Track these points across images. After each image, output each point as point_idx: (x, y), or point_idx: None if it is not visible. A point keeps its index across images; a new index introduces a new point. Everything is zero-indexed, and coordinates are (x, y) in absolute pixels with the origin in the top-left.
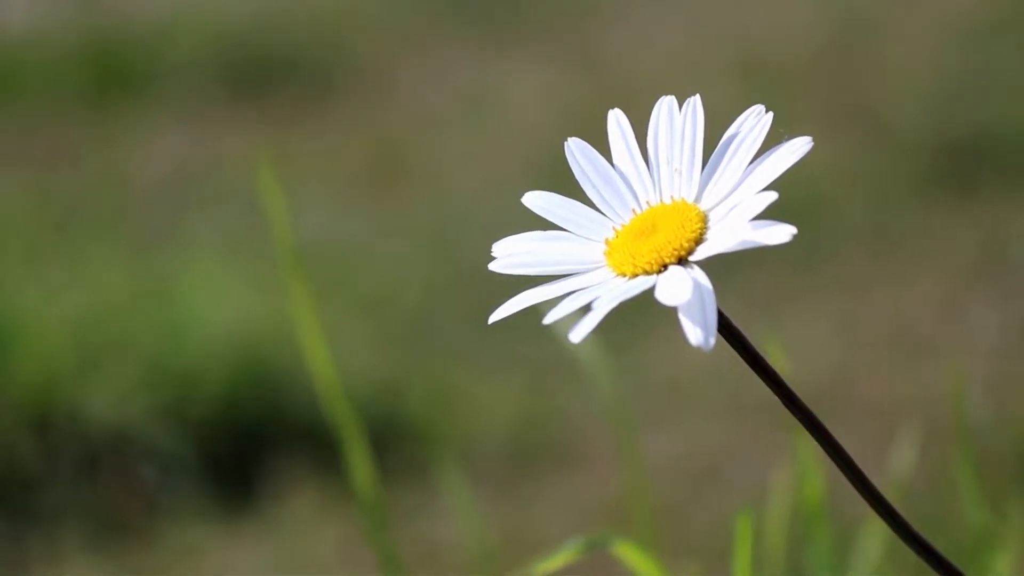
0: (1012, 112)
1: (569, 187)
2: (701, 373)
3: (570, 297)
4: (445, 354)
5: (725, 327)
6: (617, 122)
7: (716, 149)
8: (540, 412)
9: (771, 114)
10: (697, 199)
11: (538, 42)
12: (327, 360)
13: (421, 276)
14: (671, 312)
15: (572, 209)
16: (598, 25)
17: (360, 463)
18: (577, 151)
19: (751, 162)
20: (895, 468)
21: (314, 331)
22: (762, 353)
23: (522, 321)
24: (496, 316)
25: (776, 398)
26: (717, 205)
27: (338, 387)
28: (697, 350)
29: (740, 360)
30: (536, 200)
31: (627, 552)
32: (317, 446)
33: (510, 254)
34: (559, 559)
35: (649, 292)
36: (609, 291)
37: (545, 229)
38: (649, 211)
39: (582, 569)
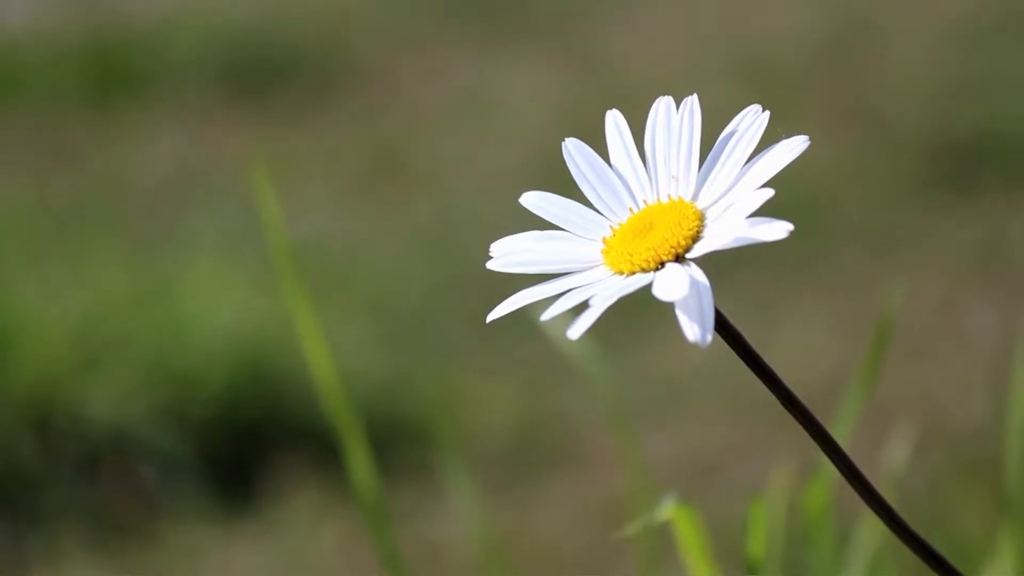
0: (1012, 112)
1: (570, 187)
2: (701, 373)
3: (568, 295)
4: (445, 354)
5: (723, 327)
6: (615, 123)
7: (713, 148)
8: (540, 412)
9: (768, 113)
10: (694, 197)
11: (538, 42)
12: (327, 361)
13: (421, 276)
14: (670, 312)
15: (570, 209)
16: (598, 25)
17: (360, 464)
18: (575, 151)
19: (748, 160)
20: (893, 467)
21: (313, 332)
22: (761, 352)
23: (522, 321)
24: (494, 314)
25: (776, 398)
26: (714, 203)
27: (338, 388)
28: (696, 349)
29: (740, 359)
30: (534, 200)
31: (684, 525)
32: (317, 446)
33: (508, 253)
34: (663, 514)
35: (649, 293)
36: (606, 288)
37: (543, 229)
38: (646, 210)
39: (585, 568)
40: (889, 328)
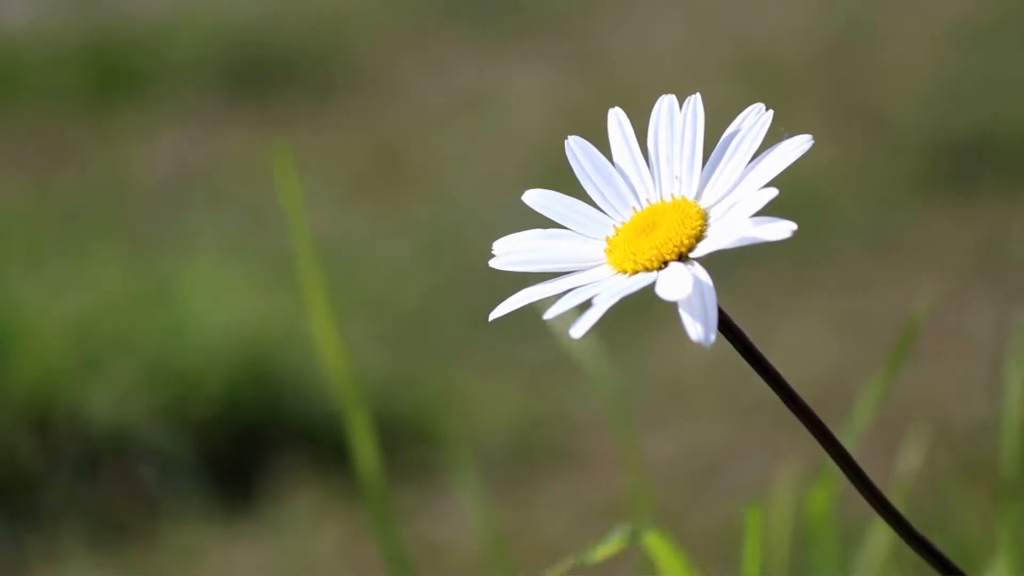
0: (1012, 112)
1: (569, 187)
2: (702, 372)
3: (571, 293)
4: (446, 354)
5: (726, 326)
6: (617, 120)
7: (716, 147)
8: (541, 412)
9: (771, 112)
10: (697, 196)
11: (538, 42)
12: (340, 353)
13: (421, 276)
14: (672, 311)
15: (572, 207)
16: (598, 25)
17: (367, 456)
18: (578, 149)
19: (751, 160)
20: (896, 469)
21: (327, 325)
22: (763, 352)
23: (523, 321)
24: (497, 313)
25: (777, 397)
26: (717, 202)
27: (353, 380)
28: (698, 348)
29: (741, 359)
30: (536, 198)
31: (658, 546)
32: (318, 446)
33: (510, 251)
34: (604, 551)
35: (650, 291)
36: (610, 287)
37: (545, 227)
38: (649, 209)
39: (585, 568)
40: (912, 334)
